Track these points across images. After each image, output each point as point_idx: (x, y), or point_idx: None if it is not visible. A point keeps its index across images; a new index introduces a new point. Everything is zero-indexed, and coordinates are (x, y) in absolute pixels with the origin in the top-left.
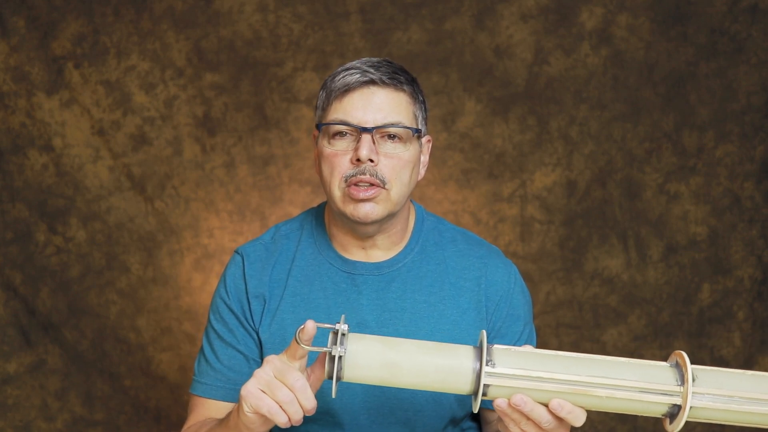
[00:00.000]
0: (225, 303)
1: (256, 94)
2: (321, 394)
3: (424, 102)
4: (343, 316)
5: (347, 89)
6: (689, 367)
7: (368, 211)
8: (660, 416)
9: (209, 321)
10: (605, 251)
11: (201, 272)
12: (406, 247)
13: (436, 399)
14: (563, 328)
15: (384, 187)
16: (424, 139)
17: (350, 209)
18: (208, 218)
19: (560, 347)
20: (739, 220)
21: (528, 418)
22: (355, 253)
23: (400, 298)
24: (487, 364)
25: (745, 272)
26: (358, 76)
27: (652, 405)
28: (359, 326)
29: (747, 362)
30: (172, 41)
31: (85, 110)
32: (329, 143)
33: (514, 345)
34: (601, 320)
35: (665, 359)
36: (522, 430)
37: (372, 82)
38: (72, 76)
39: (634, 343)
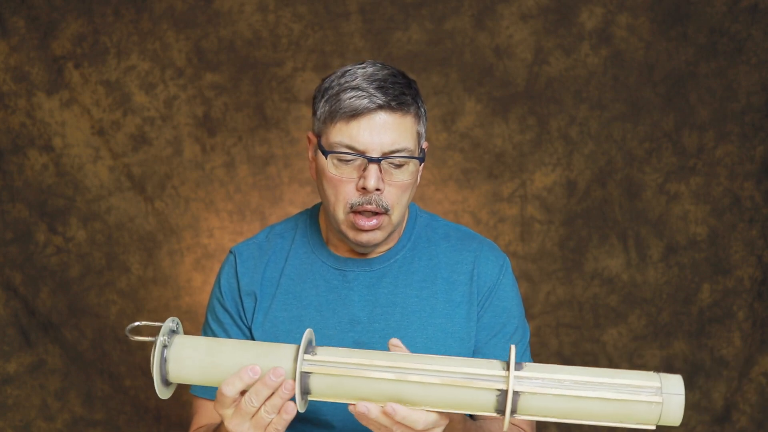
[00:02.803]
0: (220, 302)
1: (256, 94)
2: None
3: (425, 114)
4: (176, 319)
5: (354, 114)
6: (513, 354)
7: (371, 237)
8: (495, 413)
9: (206, 320)
10: (605, 251)
11: (201, 272)
12: (397, 243)
13: None
14: (563, 328)
15: (386, 213)
16: (422, 145)
17: (353, 235)
18: (208, 218)
19: (560, 347)
20: (739, 220)
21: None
22: (349, 253)
23: (391, 294)
24: (307, 352)
25: (745, 272)
26: (366, 101)
27: (478, 392)
28: (351, 322)
29: (747, 362)
30: (172, 41)
31: (85, 110)
32: (334, 165)
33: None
34: (601, 320)
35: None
36: None
37: (380, 107)
38: (72, 76)
39: (634, 343)
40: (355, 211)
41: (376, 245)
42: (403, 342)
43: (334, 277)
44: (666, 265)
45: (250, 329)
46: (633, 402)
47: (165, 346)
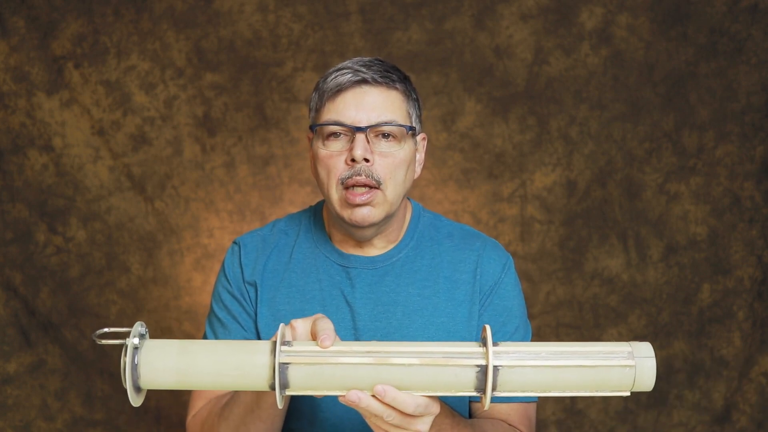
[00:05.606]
0: (227, 291)
1: (256, 94)
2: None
3: (417, 100)
4: (144, 323)
5: (339, 89)
6: (489, 333)
7: (366, 214)
8: (475, 392)
9: (212, 310)
10: (605, 251)
11: (201, 272)
12: (400, 242)
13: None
14: (563, 328)
15: (379, 188)
16: (419, 137)
17: (348, 213)
18: (208, 218)
19: None
20: (739, 220)
21: (372, 414)
22: (352, 249)
23: (393, 292)
24: (284, 344)
25: (745, 272)
26: (349, 75)
27: (458, 370)
28: (353, 320)
29: (747, 362)
30: (172, 41)
31: (85, 110)
32: (324, 145)
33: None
34: (601, 320)
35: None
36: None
37: (364, 81)
38: (72, 76)
39: None
40: (347, 186)
41: (374, 226)
42: (404, 341)
43: (337, 272)
44: (666, 265)
45: (256, 315)
46: (608, 367)
47: (136, 348)
